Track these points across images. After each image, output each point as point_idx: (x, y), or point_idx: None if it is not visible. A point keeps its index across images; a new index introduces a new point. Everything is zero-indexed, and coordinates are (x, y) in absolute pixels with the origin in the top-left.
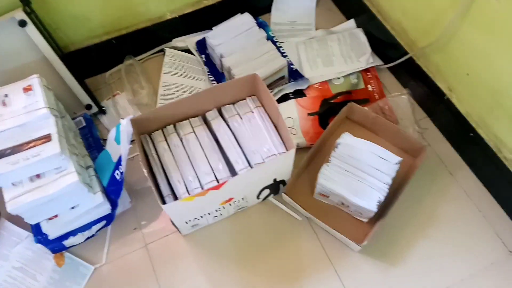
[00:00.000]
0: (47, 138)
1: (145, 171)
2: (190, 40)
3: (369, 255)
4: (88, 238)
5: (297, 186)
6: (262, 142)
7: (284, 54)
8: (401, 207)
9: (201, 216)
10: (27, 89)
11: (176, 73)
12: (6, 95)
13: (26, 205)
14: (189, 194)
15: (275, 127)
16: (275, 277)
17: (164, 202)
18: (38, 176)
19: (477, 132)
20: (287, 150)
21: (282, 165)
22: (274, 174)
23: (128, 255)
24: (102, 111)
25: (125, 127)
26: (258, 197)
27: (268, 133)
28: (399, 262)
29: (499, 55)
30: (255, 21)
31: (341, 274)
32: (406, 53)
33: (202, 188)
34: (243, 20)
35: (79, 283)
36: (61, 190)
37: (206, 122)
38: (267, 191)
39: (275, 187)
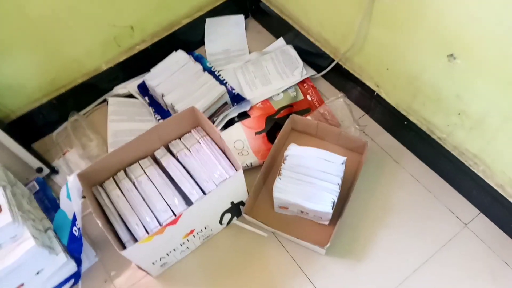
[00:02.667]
0: None
1: (99, 222)
2: (130, 86)
3: (335, 255)
4: None
5: (257, 204)
6: (212, 169)
7: (224, 81)
8: (356, 203)
9: (167, 254)
10: None
11: (123, 120)
12: None
13: None
14: (148, 234)
15: (223, 152)
16: None
17: (124, 248)
18: None
19: (409, 119)
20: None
21: (235, 187)
22: (230, 197)
23: None
24: (54, 171)
25: (73, 184)
26: (221, 223)
27: (217, 159)
28: (364, 256)
29: (406, 45)
30: (190, 56)
31: (313, 278)
32: (332, 60)
33: (161, 225)
34: (178, 57)
35: None
36: (20, 258)
37: (156, 161)
38: (228, 215)
39: (236, 209)
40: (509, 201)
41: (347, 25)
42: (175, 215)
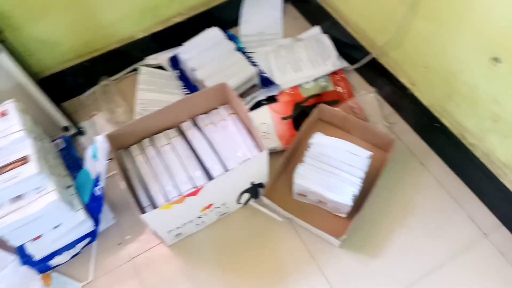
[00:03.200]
0: (24, 159)
1: (123, 184)
2: (162, 57)
3: (350, 248)
4: (73, 256)
5: (276, 188)
6: (236, 148)
7: (255, 63)
8: (377, 199)
9: (183, 225)
10: (3, 114)
11: (151, 90)
12: None
13: (8, 226)
14: (168, 202)
15: (249, 132)
16: (261, 279)
17: (143, 212)
18: (18, 197)
19: (441, 121)
20: None
21: (257, 168)
22: (250, 177)
23: (114, 270)
24: (80, 132)
25: (101, 143)
26: (238, 202)
27: (242, 138)
28: (379, 253)
29: (449, 43)
30: (224, 34)
31: (324, 269)
32: (368, 53)
33: (181, 195)
34: (212, 34)
35: None
36: (42, 209)
37: (182, 133)
38: (247, 195)
39: (254, 190)
40: None
41: (388, 17)
42: (195, 187)
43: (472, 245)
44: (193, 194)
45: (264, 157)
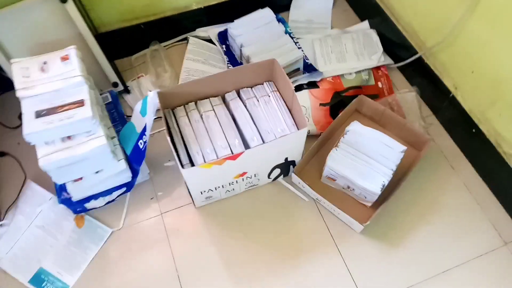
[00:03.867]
0: (80, 103)
1: (168, 139)
2: (212, 31)
3: (370, 236)
4: (108, 202)
5: (306, 170)
6: (276, 123)
7: (300, 49)
8: (404, 194)
9: (216, 188)
10: (64, 58)
11: (198, 60)
12: (45, 63)
13: (56, 162)
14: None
15: (289, 111)
16: (281, 251)
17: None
18: (69, 137)
19: (479, 127)
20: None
21: (294, 144)
22: (285, 153)
23: (144, 222)
24: (127, 90)
25: (152, 99)
26: (269, 177)
27: (282, 115)
28: (399, 244)
29: (503, 47)
30: (275, 16)
31: (343, 252)
32: (416, 52)
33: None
34: (264, 14)
35: (97, 243)
36: (90, 151)
37: (225, 102)
38: (277, 171)
39: (286, 167)
40: None
41: (443, 17)
42: (232, 154)
43: (492, 250)
44: (232, 158)
45: (302, 135)
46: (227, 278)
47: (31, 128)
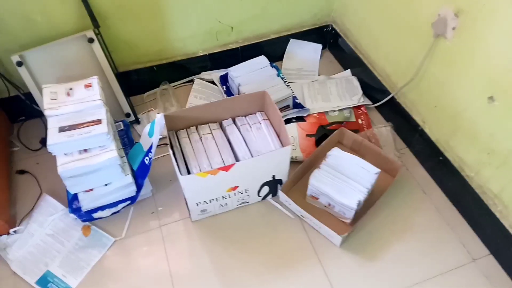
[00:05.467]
0: (98, 121)
1: (170, 152)
2: (214, 75)
3: (349, 250)
4: (113, 213)
5: (292, 190)
6: (265, 145)
7: (290, 88)
8: (380, 215)
9: (210, 201)
10: (87, 86)
11: (201, 97)
12: (71, 88)
13: (72, 171)
14: None
15: (278, 136)
16: (267, 262)
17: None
18: (85, 150)
19: (445, 155)
20: None
21: (280, 160)
22: (273, 170)
23: (144, 233)
24: (137, 121)
25: (159, 120)
26: (259, 194)
27: (271, 139)
28: (375, 258)
29: (456, 84)
30: (269, 63)
31: (324, 264)
32: (389, 93)
33: None
34: (259, 61)
35: (100, 251)
36: (103, 162)
37: (222, 128)
38: (266, 189)
39: (274, 185)
40: None
41: (409, 61)
42: None
43: (460, 266)
44: (225, 169)
45: (287, 152)
46: (218, 284)
47: (54, 140)
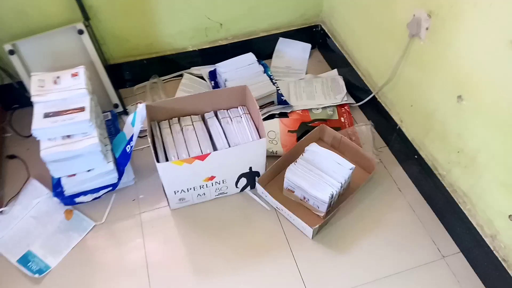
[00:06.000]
0: (82, 109)
1: (149, 140)
2: (204, 70)
3: (321, 243)
4: (94, 199)
5: (270, 184)
6: (244, 138)
7: (277, 88)
8: (354, 210)
9: (188, 190)
10: (74, 75)
11: (189, 92)
12: (58, 77)
13: (55, 155)
14: None
15: (256, 129)
16: (242, 251)
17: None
18: (68, 136)
19: (419, 154)
20: None
21: (256, 152)
22: (249, 162)
23: (124, 219)
24: (125, 112)
25: (141, 110)
26: (236, 186)
27: (250, 132)
28: (346, 252)
29: (428, 85)
30: (256, 60)
31: (296, 255)
32: (371, 93)
33: None
34: (247, 58)
35: (80, 234)
36: (84, 148)
37: (204, 120)
38: (244, 180)
39: (251, 177)
40: (485, 242)
41: (387, 62)
42: None
43: (430, 262)
44: (201, 158)
45: (262, 143)
46: (191, 270)
47: (38, 125)
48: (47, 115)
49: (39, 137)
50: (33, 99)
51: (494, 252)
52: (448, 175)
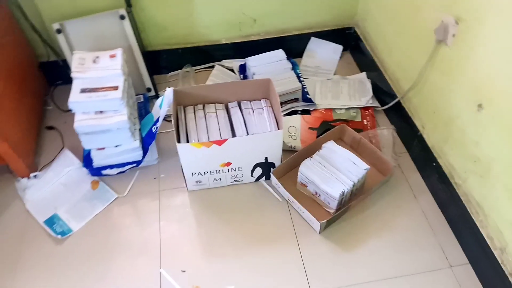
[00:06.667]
0: (115, 88)
1: (173, 121)
2: (234, 63)
3: (328, 239)
4: (120, 173)
5: (285, 177)
6: (263, 129)
7: (304, 86)
8: (366, 211)
9: (204, 173)
10: (112, 56)
11: (218, 82)
12: (97, 57)
13: (87, 127)
14: None
15: (276, 122)
16: (250, 237)
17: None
18: (101, 112)
19: (438, 161)
20: None
21: (272, 143)
22: (265, 152)
23: (144, 195)
24: (157, 96)
25: (168, 94)
26: (252, 175)
27: (269, 124)
28: (351, 250)
29: (451, 92)
30: (286, 57)
31: (302, 247)
32: (396, 97)
33: None
34: (277, 54)
35: (103, 204)
36: (113, 124)
37: (227, 109)
38: (259, 171)
39: (267, 168)
40: (494, 255)
41: (414, 67)
42: None
43: (436, 269)
44: (218, 143)
45: (279, 135)
46: (200, 249)
47: (75, 98)
48: (83, 90)
49: (74, 110)
50: (72, 74)
51: (502, 265)
52: (464, 185)
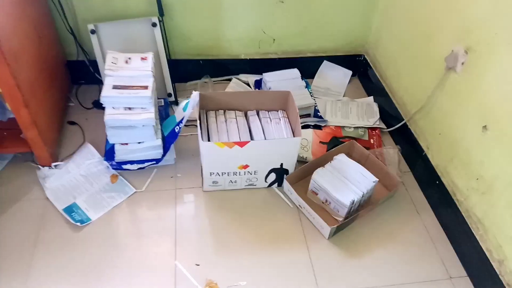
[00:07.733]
0: (145, 87)
1: (198, 122)
2: (250, 78)
3: (337, 245)
4: (139, 169)
5: (297, 185)
6: (280, 136)
7: (315, 103)
8: (372, 222)
9: (222, 174)
10: (143, 58)
11: None
12: (129, 58)
13: (116, 121)
14: None
15: (293, 133)
16: (261, 237)
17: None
18: (130, 108)
19: (441, 180)
20: None
21: (288, 149)
22: (281, 158)
23: (161, 191)
24: (176, 103)
25: (194, 97)
26: (265, 180)
27: (286, 133)
28: (358, 257)
29: (457, 115)
30: (300, 76)
31: (311, 251)
32: (402, 119)
33: None
34: (292, 72)
35: (121, 197)
36: (141, 120)
37: (246, 117)
38: (273, 176)
39: (281, 174)
40: (492, 266)
41: (423, 92)
42: None
43: (436, 280)
44: (240, 144)
45: (297, 142)
46: (212, 245)
47: (107, 93)
48: (115, 87)
49: (106, 104)
50: (105, 72)
51: (500, 276)
52: (466, 201)
